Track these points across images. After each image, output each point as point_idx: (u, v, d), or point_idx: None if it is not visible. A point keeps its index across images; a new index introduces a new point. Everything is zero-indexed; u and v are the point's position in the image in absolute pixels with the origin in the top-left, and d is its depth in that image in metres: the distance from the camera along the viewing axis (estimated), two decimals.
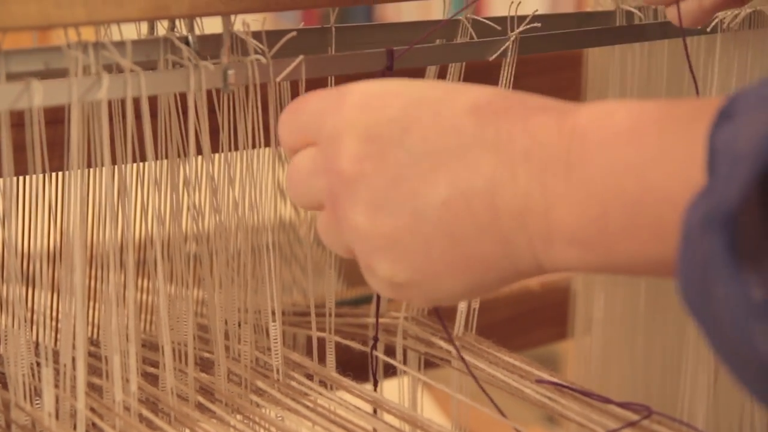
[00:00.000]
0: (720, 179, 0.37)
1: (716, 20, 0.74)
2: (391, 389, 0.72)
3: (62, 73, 0.52)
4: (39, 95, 0.50)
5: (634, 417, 0.59)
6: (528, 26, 0.64)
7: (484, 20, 0.65)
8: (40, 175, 0.55)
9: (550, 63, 0.80)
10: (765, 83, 0.38)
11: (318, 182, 0.48)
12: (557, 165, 0.42)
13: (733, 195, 0.35)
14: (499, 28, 0.65)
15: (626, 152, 0.41)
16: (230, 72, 0.55)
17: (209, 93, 0.57)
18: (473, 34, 0.65)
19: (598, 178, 0.41)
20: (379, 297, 0.69)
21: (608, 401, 0.60)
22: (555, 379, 0.63)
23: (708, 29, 0.74)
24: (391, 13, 2.18)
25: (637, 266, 0.42)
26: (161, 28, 0.57)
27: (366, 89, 0.47)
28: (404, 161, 0.45)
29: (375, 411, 0.62)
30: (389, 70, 0.60)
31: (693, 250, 0.37)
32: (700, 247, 0.36)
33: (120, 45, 0.52)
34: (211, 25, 0.57)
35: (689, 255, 0.37)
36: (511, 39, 0.64)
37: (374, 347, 0.69)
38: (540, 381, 0.63)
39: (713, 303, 0.36)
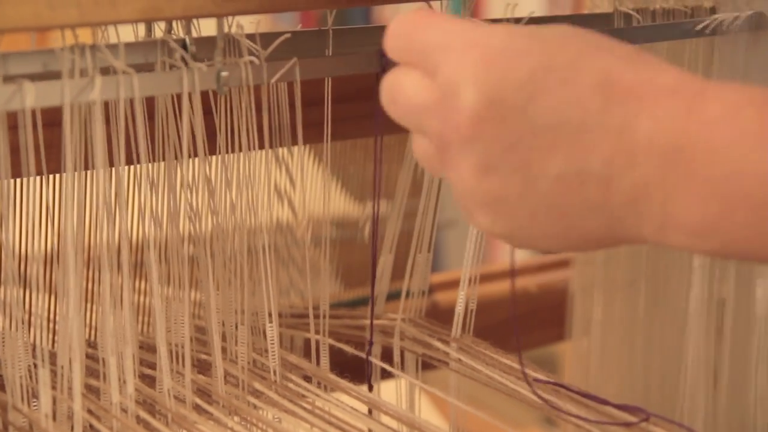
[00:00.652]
0: None
1: (716, 22, 0.74)
2: (389, 391, 0.72)
3: (59, 76, 0.52)
4: (31, 96, 0.50)
5: (632, 419, 0.59)
6: None
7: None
8: (37, 178, 0.55)
9: None
10: None
11: (429, 121, 0.47)
12: (681, 158, 0.41)
13: None
14: None
15: (754, 156, 0.40)
16: (224, 73, 0.55)
17: (205, 95, 0.57)
18: None
19: (723, 179, 0.41)
20: (374, 301, 0.69)
21: (606, 403, 0.61)
22: (552, 380, 0.63)
23: (707, 31, 0.74)
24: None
25: (756, 257, 0.43)
26: (159, 31, 0.57)
27: (494, 42, 0.45)
28: (524, 129, 0.44)
29: (371, 413, 0.62)
30: (383, 72, 0.60)
31: None
32: None
33: (114, 47, 0.52)
34: (208, 28, 0.57)
35: None
36: None
37: (369, 352, 0.69)
38: (537, 380, 0.63)
39: None
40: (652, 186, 0.42)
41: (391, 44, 0.49)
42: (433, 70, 0.47)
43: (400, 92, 0.48)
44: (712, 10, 0.75)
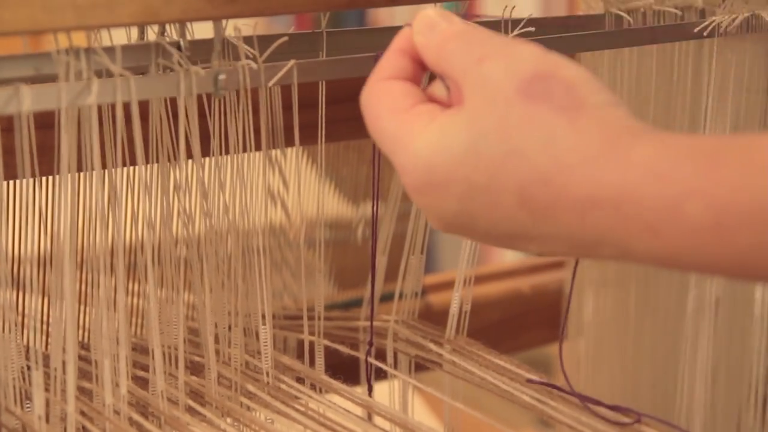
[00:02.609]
0: None
1: (713, 24, 0.74)
2: (382, 392, 0.72)
3: (54, 79, 0.52)
4: (28, 100, 0.50)
5: (625, 420, 0.59)
6: (522, 30, 0.64)
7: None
8: (31, 180, 0.55)
9: None
10: None
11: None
12: (640, 255, 0.42)
13: None
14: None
15: (717, 251, 0.40)
16: (221, 77, 0.55)
17: (200, 97, 0.57)
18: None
19: (690, 265, 0.41)
20: (373, 303, 0.69)
21: (598, 404, 0.61)
22: (545, 380, 0.63)
23: (705, 33, 0.74)
24: (384, 17, 2.19)
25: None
26: (152, 34, 0.57)
27: (417, 175, 0.47)
28: (487, 238, 0.48)
29: (366, 415, 0.62)
30: None
31: None
32: None
33: (110, 50, 0.52)
34: (203, 30, 0.57)
35: None
36: None
37: (369, 353, 0.69)
38: (531, 381, 0.63)
39: None
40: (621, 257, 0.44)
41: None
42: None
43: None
44: (702, 12, 0.75)
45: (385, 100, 0.50)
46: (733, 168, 0.39)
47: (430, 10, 0.51)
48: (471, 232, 0.48)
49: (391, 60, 0.51)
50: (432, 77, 0.52)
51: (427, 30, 0.50)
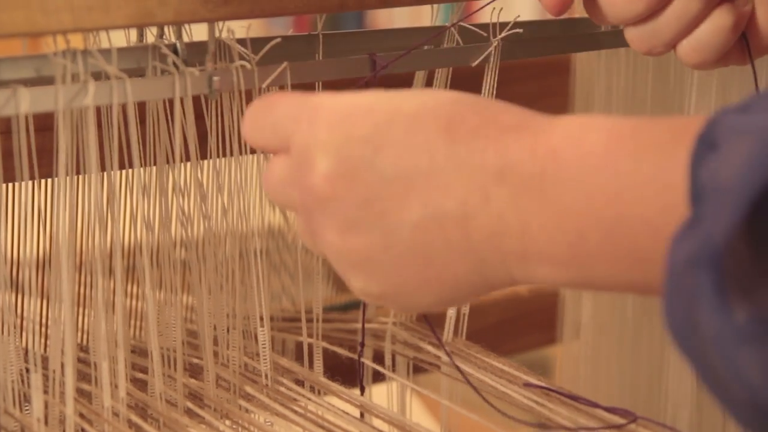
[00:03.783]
0: (706, 216, 0.36)
1: None
2: (381, 394, 0.72)
3: (52, 81, 0.52)
4: (25, 102, 0.50)
5: (621, 421, 0.59)
6: (510, 32, 0.65)
7: (471, 27, 0.65)
8: (29, 182, 0.55)
9: (539, 69, 0.81)
10: (745, 106, 0.38)
11: (291, 193, 0.48)
12: (531, 188, 0.42)
13: (721, 233, 0.35)
14: (484, 34, 0.65)
15: (601, 178, 0.40)
16: (215, 78, 0.56)
17: (197, 99, 0.57)
18: (459, 40, 0.65)
19: (573, 203, 0.41)
20: (365, 304, 0.69)
21: (595, 405, 0.61)
22: (542, 383, 0.63)
23: None
24: (382, 19, 2.19)
25: (616, 286, 0.43)
26: (151, 36, 0.57)
27: (337, 104, 0.46)
28: (376, 182, 0.45)
29: (363, 416, 0.62)
30: (374, 77, 0.60)
31: (678, 285, 0.37)
32: (685, 283, 0.36)
33: (107, 52, 0.53)
34: (200, 33, 0.57)
35: (674, 289, 0.37)
36: (494, 45, 0.64)
37: (361, 354, 0.69)
38: (528, 385, 0.63)
39: (698, 333, 0.36)
40: (507, 218, 0.42)
41: (247, 135, 0.50)
42: (287, 143, 0.48)
43: (268, 175, 0.49)
44: None
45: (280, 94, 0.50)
46: (635, 121, 0.41)
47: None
48: (362, 172, 0.45)
49: None
50: None
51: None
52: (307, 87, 0.61)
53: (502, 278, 0.44)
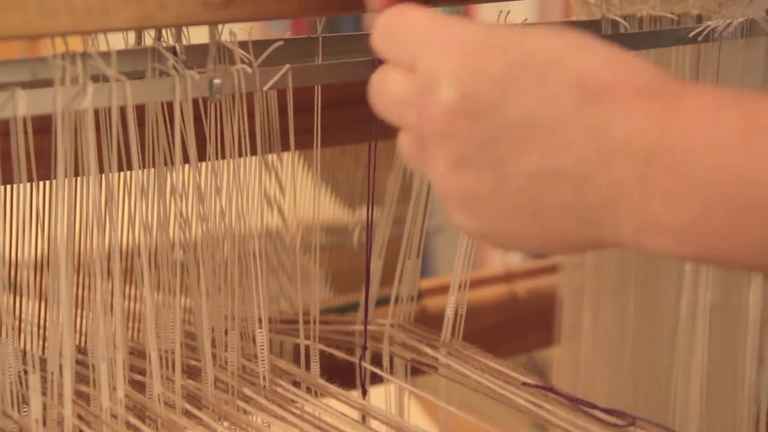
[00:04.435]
0: None
1: (708, 28, 0.74)
2: (378, 396, 0.72)
3: (50, 84, 0.52)
4: (23, 104, 0.50)
5: (620, 422, 0.60)
6: None
7: None
8: (28, 184, 0.55)
9: None
10: None
11: (409, 114, 0.47)
12: (658, 159, 0.41)
13: None
14: None
15: (735, 160, 0.40)
16: (216, 81, 0.56)
17: (195, 101, 0.57)
18: None
19: (703, 181, 0.40)
20: (366, 306, 0.69)
21: (594, 407, 0.61)
22: (540, 383, 0.63)
23: (700, 38, 0.74)
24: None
25: (735, 263, 0.42)
26: (149, 39, 0.57)
27: (472, 36, 0.45)
28: (498, 125, 0.44)
29: (362, 418, 0.62)
30: None
31: None
32: None
33: (106, 55, 0.53)
34: (198, 35, 0.57)
35: None
36: None
37: (362, 357, 0.69)
38: (526, 384, 0.63)
39: None
40: (628, 187, 0.42)
41: (377, 41, 0.49)
42: (414, 63, 0.47)
43: (384, 87, 0.48)
44: (699, 18, 0.75)
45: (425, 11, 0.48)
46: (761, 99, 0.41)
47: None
48: (487, 113, 0.44)
49: None
50: None
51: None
52: (306, 89, 0.61)
53: (610, 239, 0.44)
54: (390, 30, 0.49)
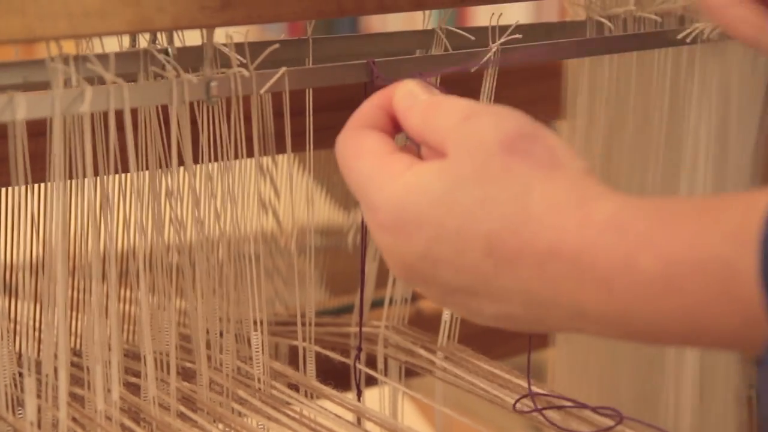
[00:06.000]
0: None
1: (696, 31, 0.74)
2: (373, 398, 0.72)
3: (44, 86, 0.52)
4: (22, 108, 0.50)
5: (609, 422, 0.60)
6: (510, 37, 0.65)
7: (460, 31, 0.65)
8: (23, 187, 0.55)
9: (530, 73, 0.81)
10: None
11: None
12: (592, 312, 0.43)
13: None
14: (473, 38, 0.65)
15: (668, 304, 0.40)
16: (213, 84, 0.56)
17: (190, 104, 0.57)
18: (448, 45, 0.65)
19: (641, 325, 0.42)
20: (361, 308, 0.70)
21: (584, 407, 0.61)
22: (537, 390, 0.64)
23: (688, 40, 0.74)
24: (376, 23, 2.19)
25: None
26: (143, 41, 0.57)
27: (389, 212, 0.48)
28: (445, 286, 0.47)
29: (357, 420, 0.62)
30: (371, 81, 0.60)
31: None
32: None
33: (102, 58, 0.53)
34: (192, 37, 0.57)
35: None
36: (493, 50, 0.65)
37: (357, 358, 0.69)
38: (523, 396, 0.64)
39: None
40: (577, 326, 0.45)
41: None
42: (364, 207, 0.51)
43: None
44: (681, 19, 0.75)
45: (366, 143, 0.51)
46: (686, 225, 0.40)
47: (411, 83, 0.53)
48: (430, 281, 0.48)
49: (371, 112, 0.53)
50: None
51: (410, 98, 0.52)
52: (302, 92, 0.61)
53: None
54: (341, 161, 0.52)
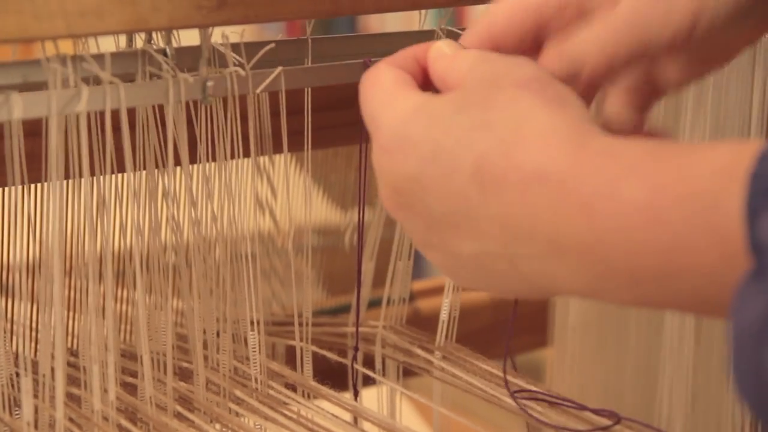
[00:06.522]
0: None
1: None
2: (371, 397, 0.72)
3: (42, 87, 0.52)
4: (19, 108, 0.50)
5: (606, 422, 0.60)
6: None
7: (459, 31, 0.65)
8: (19, 187, 0.55)
9: None
10: None
11: None
12: (569, 242, 0.42)
13: None
14: None
15: (648, 235, 0.39)
16: (209, 84, 0.56)
17: (186, 104, 0.57)
18: None
19: (618, 259, 0.41)
20: (358, 307, 0.70)
21: (583, 408, 0.61)
22: (532, 387, 0.64)
23: None
24: (374, 23, 2.19)
25: (679, 309, 0.43)
26: (139, 41, 0.57)
27: (391, 131, 0.48)
28: (429, 216, 0.47)
29: (354, 420, 0.62)
30: None
31: (747, 355, 0.36)
32: (754, 354, 0.35)
33: (99, 57, 0.53)
34: (188, 37, 0.57)
35: (744, 358, 0.36)
36: None
37: (354, 358, 0.69)
38: (517, 392, 0.64)
39: None
40: (552, 266, 0.43)
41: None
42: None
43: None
44: None
45: (388, 76, 0.50)
46: (676, 159, 0.40)
47: (446, 41, 0.52)
48: (416, 208, 0.47)
49: (403, 56, 0.52)
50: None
51: (443, 49, 0.52)
52: (299, 92, 0.61)
53: (562, 291, 0.46)
54: (363, 93, 0.51)
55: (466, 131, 0.45)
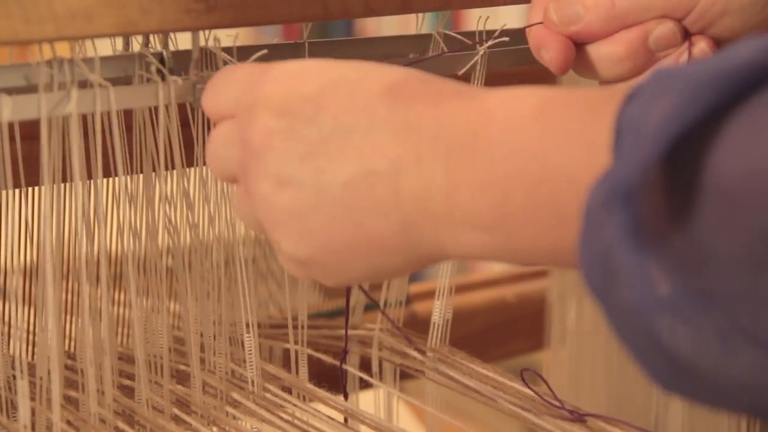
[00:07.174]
0: (622, 158, 0.36)
1: None
2: (368, 401, 0.72)
3: (38, 90, 0.52)
4: (8, 110, 0.50)
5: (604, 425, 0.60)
6: (497, 40, 0.65)
7: (457, 35, 0.65)
8: (15, 190, 0.55)
9: (520, 77, 0.81)
10: (673, 71, 0.37)
11: (231, 152, 0.48)
12: (463, 149, 0.42)
13: (634, 172, 0.34)
14: (470, 42, 0.65)
15: (530, 134, 0.40)
16: (199, 86, 0.56)
17: (183, 107, 0.57)
18: (445, 48, 0.65)
19: (501, 161, 0.41)
20: (349, 309, 0.70)
21: (575, 412, 0.61)
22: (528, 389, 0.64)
23: None
24: (371, 27, 2.19)
25: (540, 253, 0.42)
26: (137, 45, 0.57)
27: (289, 66, 0.48)
28: (313, 138, 0.45)
29: (345, 420, 0.62)
30: None
31: (594, 233, 0.36)
32: (601, 230, 0.35)
33: (90, 61, 0.53)
34: (187, 42, 0.57)
35: (591, 238, 0.36)
36: (480, 53, 0.65)
37: (344, 360, 0.69)
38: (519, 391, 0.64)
39: (617, 289, 0.35)
40: (436, 180, 0.43)
41: (206, 102, 0.52)
42: (237, 106, 0.49)
43: (211, 143, 0.50)
44: None
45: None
46: (574, 90, 0.42)
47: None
48: (295, 132, 0.45)
49: None
50: None
51: None
52: None
53: (431, 247, 0.44)
54: (214, 92, 0.51)
55: (378, 67, 0.46)
